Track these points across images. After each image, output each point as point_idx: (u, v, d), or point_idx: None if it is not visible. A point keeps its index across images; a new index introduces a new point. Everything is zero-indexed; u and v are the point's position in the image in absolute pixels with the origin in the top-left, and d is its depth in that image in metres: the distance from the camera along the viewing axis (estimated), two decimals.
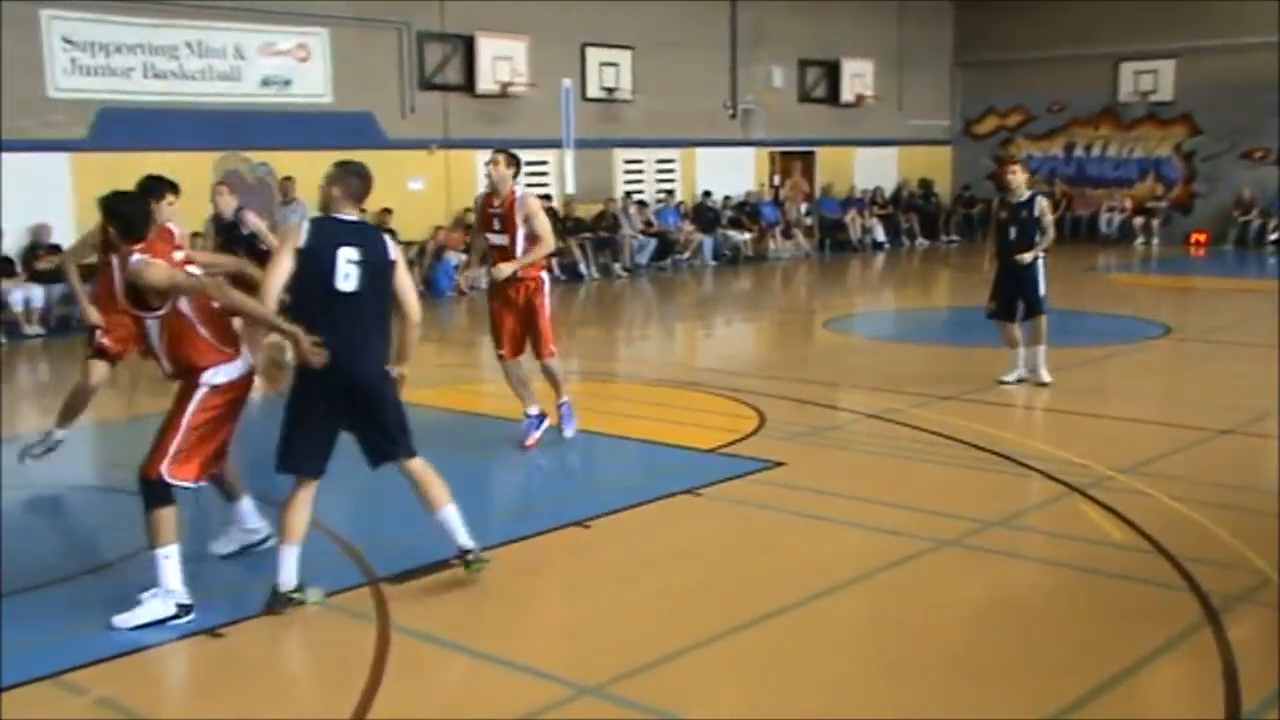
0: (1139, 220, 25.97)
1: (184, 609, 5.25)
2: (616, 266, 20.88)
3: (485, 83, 19.62)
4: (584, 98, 21.20)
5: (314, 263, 5.30)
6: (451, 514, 5.65)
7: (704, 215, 22.93)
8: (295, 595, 5.37)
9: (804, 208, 25.15)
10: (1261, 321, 15.43)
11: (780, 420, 9.21)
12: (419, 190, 19.24)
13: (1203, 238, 25.20)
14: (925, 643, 5.06)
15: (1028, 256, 10.36)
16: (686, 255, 22.11)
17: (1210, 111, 25.24)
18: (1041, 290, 10.53)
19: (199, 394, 5.39)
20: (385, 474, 7.21)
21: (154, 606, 5.21)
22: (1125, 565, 5.93)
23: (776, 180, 25.19)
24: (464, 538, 5.64)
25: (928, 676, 4.74)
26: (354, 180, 5.49)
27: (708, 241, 22.44)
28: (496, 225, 8.41)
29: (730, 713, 4.45)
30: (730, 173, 23.88)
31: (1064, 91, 27.03)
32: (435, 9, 19.21)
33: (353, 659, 4.86)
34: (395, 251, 5.54)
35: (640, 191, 22.52)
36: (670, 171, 23.20)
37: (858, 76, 25.64)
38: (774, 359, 13.70)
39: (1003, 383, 10.51)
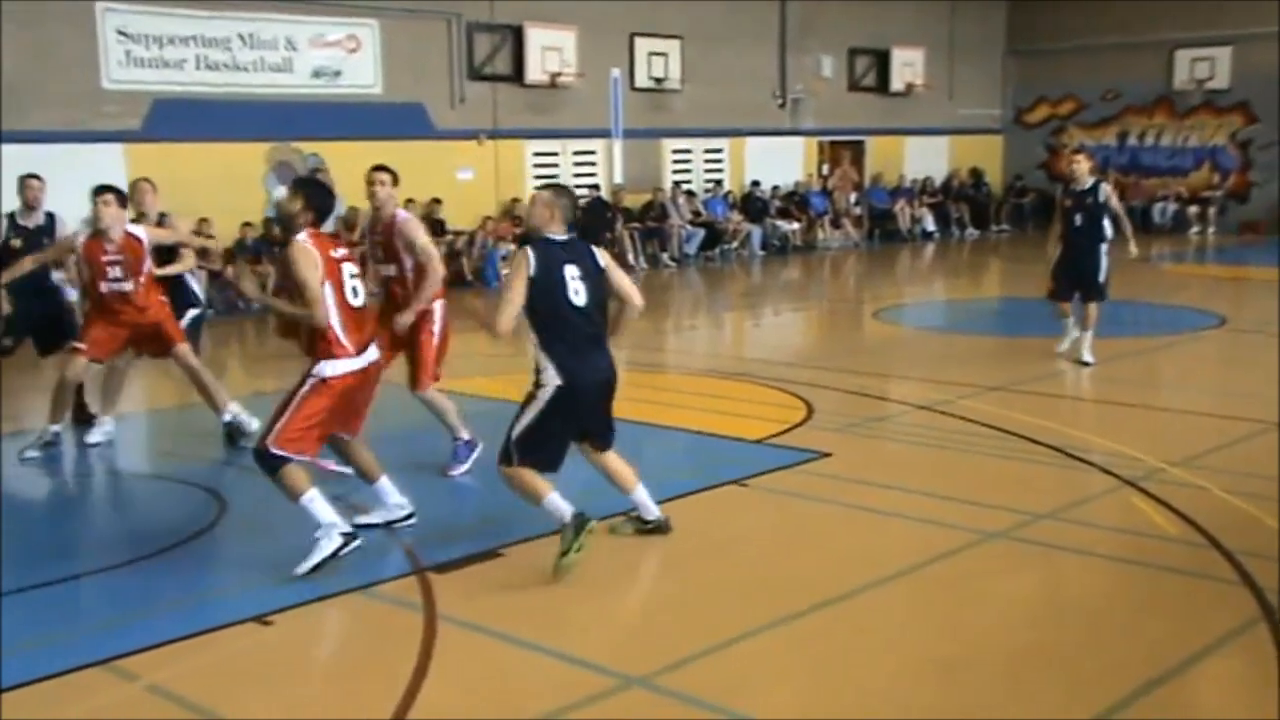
0: (1194, 209, 25.59)
1: (349, 536, 5.71)
2: (665, 256, 20.87)
3: (534, 73, 19.66)
4: (632, 88, 21.19)
5: (545, 286, 5.74)
6: (642, 492, 6.27)
7: (752, 205, 22.86)
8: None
9: (853, 197, 25.01)
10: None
11: (828, 411, 9.18)
12: (468, 180, 19.33)
13: (1260, 227, 24.79)
14: (975, 638, 5.02)
15: (1134, 249, 11.29)
16: (735, 245, 22.06)
17: (1267, 100, 24.82)
18: (1102, 277, 10.83)
19: (309, 383, 5.78)
20: (430, 466, 7.26)
21: (323, 545, 5.64)
22: (1178, 559, 5.86)
23: (825, 170, 25.06)
24: (654, 512, 6.26)
25: (978, 673, 4.70)
26: (566, 202, 5.99)
27: (756, 231, 22.38)
28: (380, 254, 7.48)
29: (779, 707, 4.44)
30: (779, 162, 23.79)
31: (1117, 80, 26.67)
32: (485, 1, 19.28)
33: (399, 648, 4.90)
34: (603, 258, 6.02)
35: (688, 181, 22.48)
36: (719, 161, 23.15)
37: (908, 65, 25.43)
38: (822, 349, 13.64)
39: (1059, 353, 10.98)
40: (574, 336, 5.83)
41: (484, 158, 19.60)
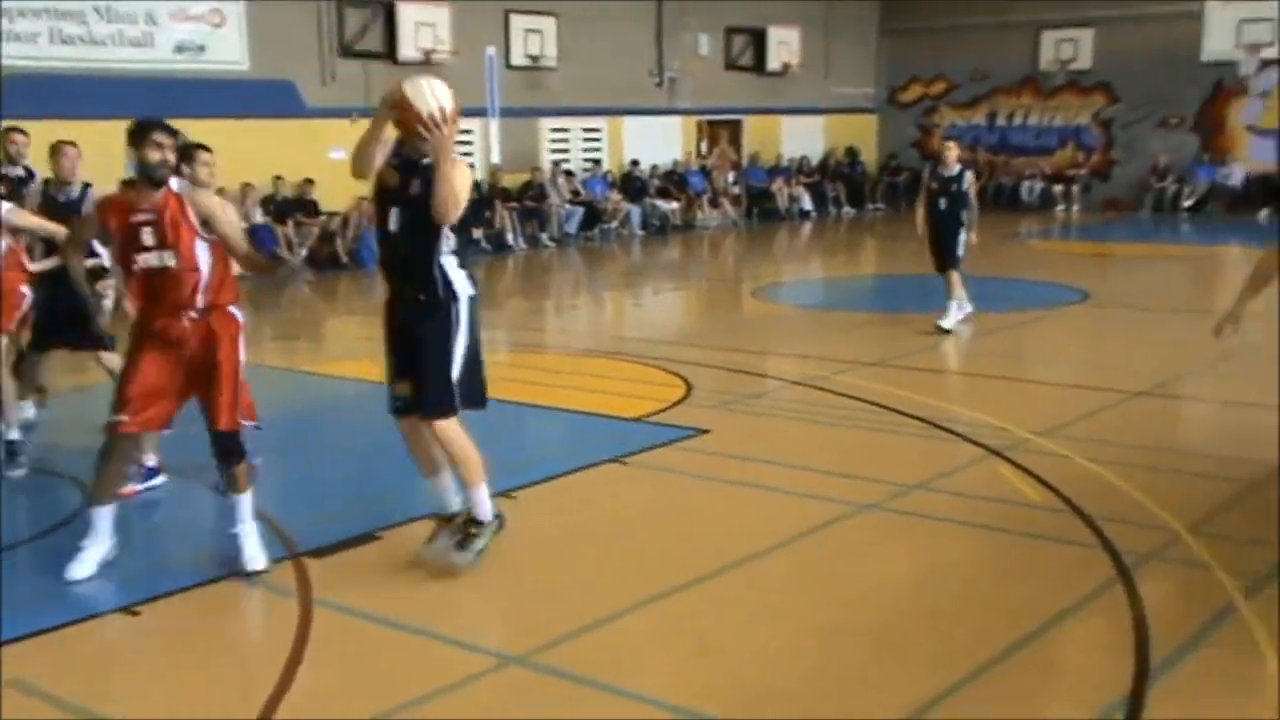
0: (1059, 188, 26.37)
1: None
2: (544, 236, 20.79)
3: (407, 50, 19.35)
4: (508, 65, 21.01)
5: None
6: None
7: (631, 184, 22.88)
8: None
9: (731, 176, 25.19)
10: (1176, 286, 15.79)
11: (707, 388, 9.25)
12: (341, 160, 18.93)
13: (1121, 204, 25.67)
14: (851, 606, 5.12)
15: (974, 237, 11.72)
16: (614, 224, 22.07)
17: (1127, 80, 25.68)
18: (960, 251, 11.55)
19: (240, 340, 5.53)
20: (310, 450, 7.13)
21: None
22: (1042, 525, 6.05)
23: (703, 149, 25.20)
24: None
25: (855, 640, 4.79)
26: None
27: (635, 211, 22.42)
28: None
29: (659, 680, 4.47)
30: (657, 141, 23.84)
31: (986, 60, 27.34)
32: None
33: (274, 634, 4.82)
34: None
35: (567, 160, 22.40)
36: (597, 140, 23.10)
37: (784, 44, 25.69)
38: (701, 328, 13.74)
39: (944, 330, 11.41)
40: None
41: (357, 137, 19.19)
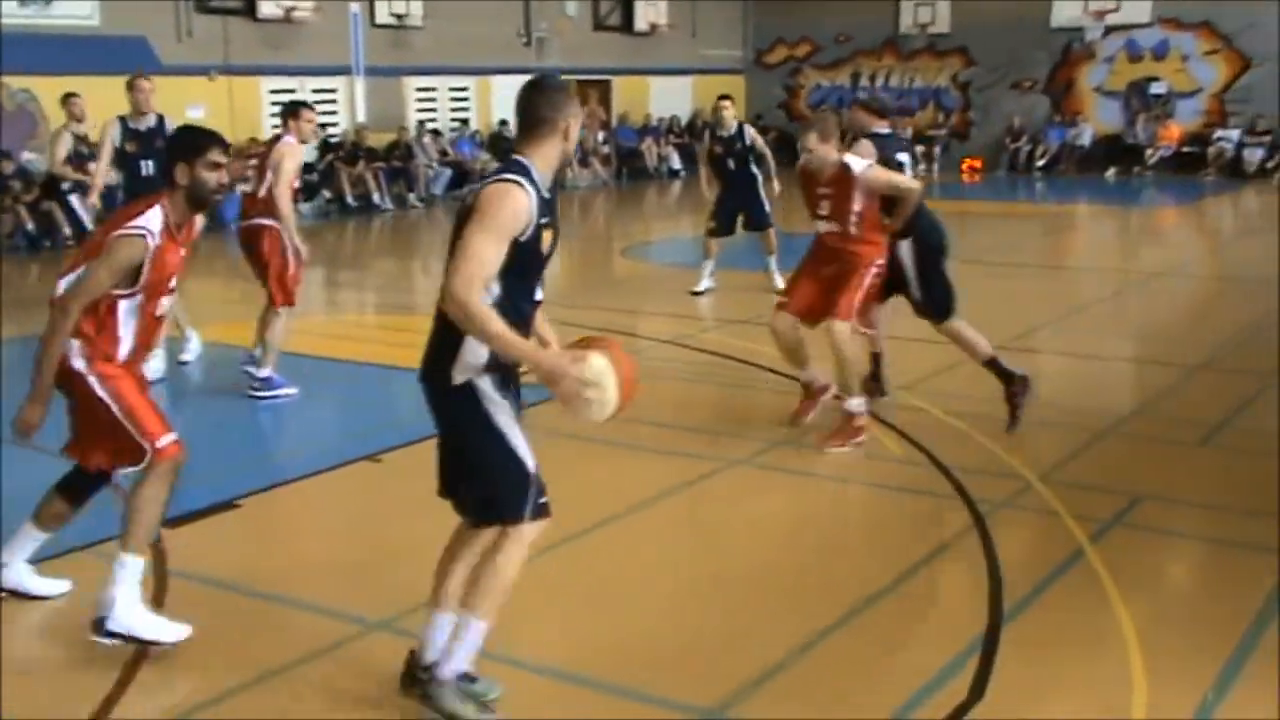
0: (920, 148, 26.88)
1: None
2: (411, 196, 20.47)
3: (268, 7, 18.80)
4: (373, 24, 20.56)
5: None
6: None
7: (500, 145, 22.62)
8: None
9: (601, 136, 25.10)
10: (1031, 243, 16.28)
11: None
12: (199, 118, 18.34)
13: (978, 164, 26.32)
14: (721, 559, 5.20)
15: (776, 187, 11.78)
16: None
17: (983, 44, 26.29)
18: (767, 208, 11.79)
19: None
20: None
21: None
22: (903, 478, 6.20)
23: None
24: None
25: (727, 591, 4.86)
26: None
27: None
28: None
29: (527, 638, 4.47)
30: None
31: (848, 23, 27.68)
32: None
33: None
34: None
35: (434, 121, 22.05)
36: (465, 100, 22.78)
37: (651, 5, 25.62)
38: (570, 287, 13.67)
39: (696, 293, 11.50)
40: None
41: (216, 95, 18.63)
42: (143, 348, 4.51)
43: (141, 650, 4.28)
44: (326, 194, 19.49)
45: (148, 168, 8.51)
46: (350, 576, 5.10)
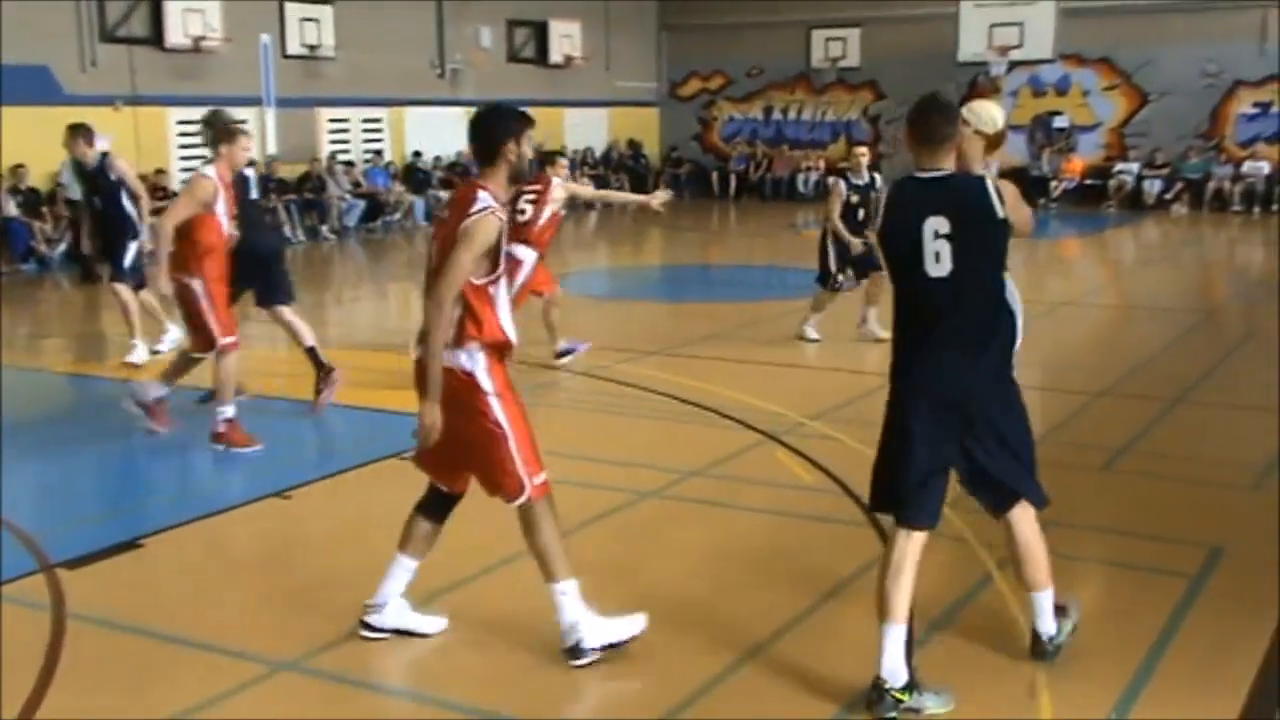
0: (833, 180, 27.27)
1: None
2: (324, 229, 20.26)
3: (175, 36, 18.55)
4: (284, 54, 20.37)
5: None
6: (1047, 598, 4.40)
7: (414, 176, 22.54)
8: (901, 695, 4.07)
9: None
10: None
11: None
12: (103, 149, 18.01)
13: None
14: (631, 593, 5.17)
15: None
16: (398, 216, 21.69)
17: (892, 77, 26.80)
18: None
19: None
20: (65, 454, 6.75)
21: None
22: (814, 506, 6.25)
23: None
24: (1048, 623, 4.41)
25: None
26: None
27: (419, 202, 22.10)
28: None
29: (436, 677, 4.42)
30: (441, 133, 23.53)
31: (761, 57, 28.08)
32: None
33: (23, 651, 4.52)
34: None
35: (347, 152, 21.89)
36: (378, 131, 22.66)
37: (566, 38, 25.76)
38: None
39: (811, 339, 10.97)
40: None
41: (122, 125, 18.30)
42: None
43: (33, 702, 4.14)
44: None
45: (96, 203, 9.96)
46: (257, 616, 4.99)
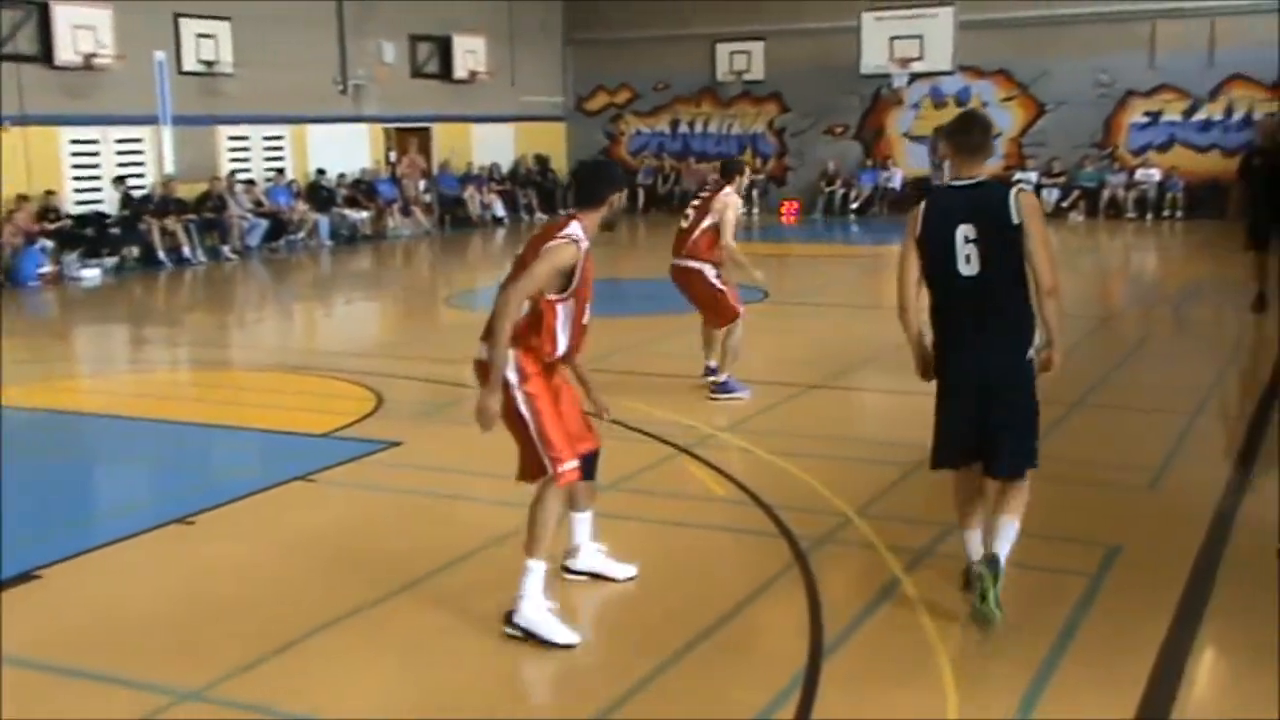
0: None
1: None
2: (225, 249, 19.90)
3: (65, 53, 18.11)
4: (180, 71, 20.02)
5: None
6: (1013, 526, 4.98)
7: (318, 194, 22.26)
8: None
9: (422, 185, 24.92)
10: (846, 283, 16.79)
11: (399, 400, 9.10)
12: None
13: (795, 206, 27.07)
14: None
15: None
16: (301, 235, 21.40)
17: (797, 90, 27.16)
18: None
19: None
20: None
21: None
22: (726, 517, 6.29)
23: (393, 157, 24.82)
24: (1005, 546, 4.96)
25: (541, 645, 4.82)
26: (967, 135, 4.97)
27: (323, 221, 21.82)
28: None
29: (345, 699, 4.35)
30: (344, 150, 23.30)
31: (667, 71, 28.25)
32: None
33: None
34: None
35: (248, 170, 21.54)
36: (280, 149, 22.33)
37: (470, 53, 25.67)
38: (394, 338, 13.52)
39: None
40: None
41: (11, 146, 17.82)
42: (574, 350, 5.11)
43: None
44: (135, 249, 18.76)
45: None
46: (160, 646, 4.87)
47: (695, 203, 9.36)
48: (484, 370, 4.87)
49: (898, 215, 25.42)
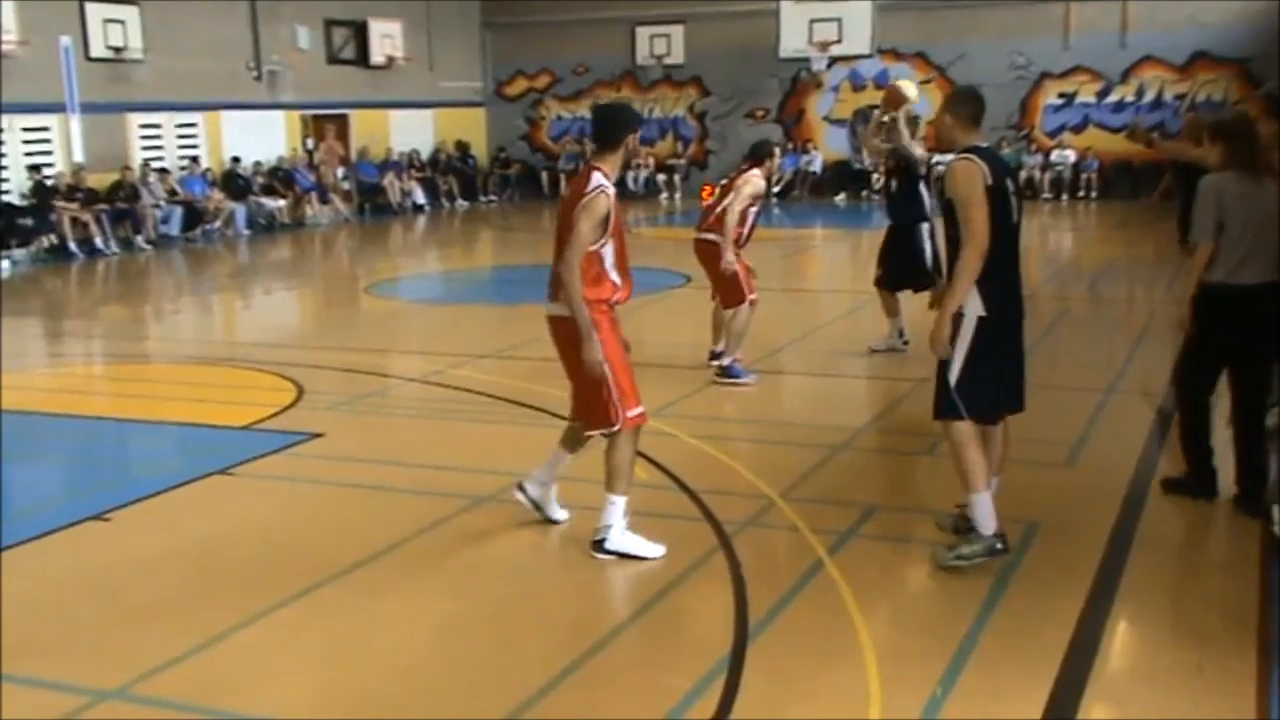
0: (662, 177, 27.57)
1: None
2: (139, 239, 19.51)
3: None
4: (87, 58, 19.54)
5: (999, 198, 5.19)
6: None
7: (234, 182, 21.89)
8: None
9: (340, 172, 24.64)
10: (770, 266, 16.85)
11: (319, 391, 8.99)
12: None
13: (715, 190, 27.14)
14: (465, 599, 5.14)
15: None
16: (218, 224, 21.04)
17: (717, 74, 27.23)
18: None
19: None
20: None
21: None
22: (651, 503, 6.27)
23: (310, 144, 24.46)
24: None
25: (471, 632, 4.81)
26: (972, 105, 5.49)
27: (240, 209, 21.47)
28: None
29: (273, 697, 4.29)
30: (260, 137, 22.92)
31: (587, 54, 28.15)
32: None
33: None
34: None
35: (161, 158, 21.11)
36: (193, 136, 21.91)
37: (387, 38, 25.38)
38: (313, 328, 13.36)
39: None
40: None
41: None
42: (629, 286, 5.51)
43: None
44: (46, 240, 18.32)
45: None
46: (77, 645, 4.78)
47: (724, 181, 9.75)
48: (558, 325, 5.48)
49: (818, 199, 25.69)
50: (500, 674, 4.41)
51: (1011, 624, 4.73)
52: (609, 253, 5.37)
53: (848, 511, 6.02)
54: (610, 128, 5.48)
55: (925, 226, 9.93)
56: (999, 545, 5.24)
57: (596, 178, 5.32)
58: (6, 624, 4.95)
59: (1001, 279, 5.19)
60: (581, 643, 4.61)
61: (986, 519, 5.23)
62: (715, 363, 9.23)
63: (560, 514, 5.96)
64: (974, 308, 5.14)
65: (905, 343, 10.08)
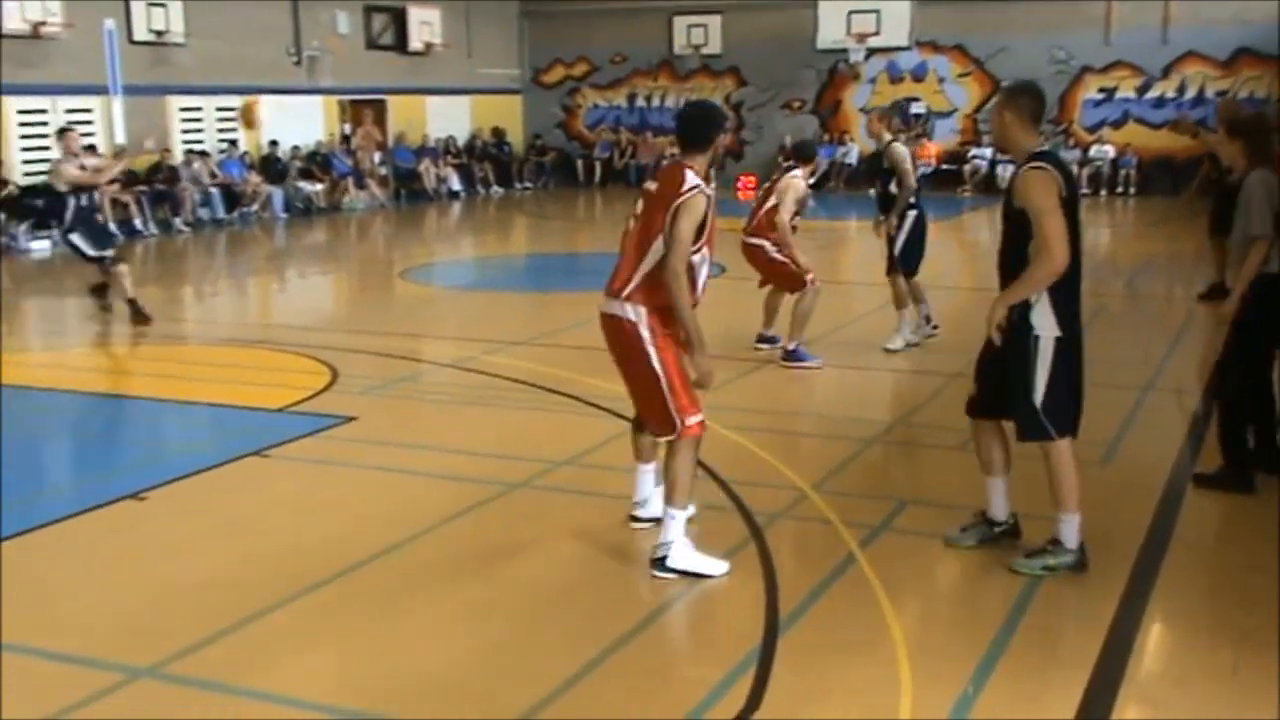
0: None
1: None
2: (178, 221, 19.66)
3: (12, 21, 17.76)
4: (130, 41, 19.69)
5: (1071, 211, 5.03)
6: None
7: (271, 166, 22.02)
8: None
9: (377, 157, 24.73)
10: (805, 258, 16.80)
11: (353, 375, 9.04)
12: None
13: (752, 181, 27.07)
14: (497, 586, 5.15)
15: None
16: (255, 208, 21.17)
17: (754, 65, 27.13)
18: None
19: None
20: None
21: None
22: None
23: (347, 129, 24.57)
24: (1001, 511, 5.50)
25: (500, 620, 4.82)
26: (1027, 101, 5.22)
27: (277, 193, 21.60)
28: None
29: (304, 678, 4.32)
30: (298, 122, 23.04)
31: (625, 44, 28.12)
32: None
33: None
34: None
35: (200, 142, 21.25)
36: (232, 120, 22.04)
37: (426, 24, 25.44)
38: (348, 313, 13.42)
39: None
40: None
41: None
42: (701, 293, 5.22)
43: None
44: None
45: None
46: (112, 623, 4.82)
47: (766, 185, 10.03)
48: (611, 324, 5.20)
49: (854, 190, 25.55)
50: (528, 662, 4.42)
51: (1044, 623, 4.70)
52: (700, 259, 5.11)
53: (880, 505, 6.00)
54: (701, 126, 5.27)
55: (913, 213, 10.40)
56: (1084, 560, 5.15)
57: (691, 177, 5.05)
58: (42, 600, 5.01)
59: (1075, 298, 5.11)
60: (611, 632, 4.61)
61: (1073, 535, 5.16)
62: (764, 345, 9.60)
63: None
64: (1050, 329, 5.05)
65: (935, 328, 10.10)
